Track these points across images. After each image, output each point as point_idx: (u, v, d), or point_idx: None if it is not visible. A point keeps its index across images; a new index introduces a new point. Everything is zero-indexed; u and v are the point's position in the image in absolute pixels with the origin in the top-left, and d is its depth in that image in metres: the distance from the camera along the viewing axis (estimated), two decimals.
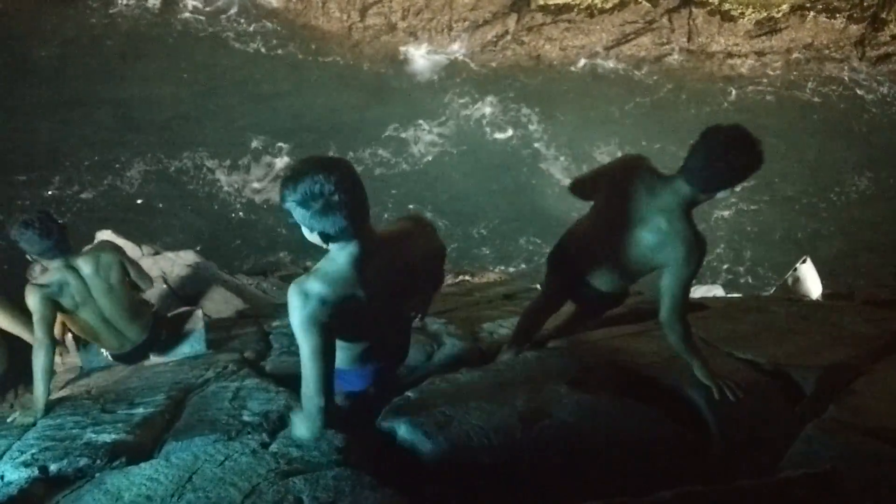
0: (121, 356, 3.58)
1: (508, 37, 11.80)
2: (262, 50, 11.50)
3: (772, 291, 6.77)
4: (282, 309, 5.07)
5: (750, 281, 9.16)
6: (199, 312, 3.93)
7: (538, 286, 5.65)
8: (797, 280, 5.64)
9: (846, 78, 11.53)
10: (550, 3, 11.56)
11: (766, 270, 9.25)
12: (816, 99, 11.38)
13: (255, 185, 9.79)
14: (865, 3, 11.05)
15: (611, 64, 11.74)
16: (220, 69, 11.13)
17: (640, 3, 11.57)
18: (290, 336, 3.66)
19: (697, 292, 6.63)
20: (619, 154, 10.57)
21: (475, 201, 9.97)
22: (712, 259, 9.41)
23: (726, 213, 10.03)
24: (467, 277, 7.65)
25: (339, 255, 1.89)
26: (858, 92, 11.45)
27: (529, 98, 11.32)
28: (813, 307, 4.10)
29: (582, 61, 11.77)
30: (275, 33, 11.69)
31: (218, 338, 4.07)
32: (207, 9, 11.89)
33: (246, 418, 2.45)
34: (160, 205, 9.34)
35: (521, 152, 10.71)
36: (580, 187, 2.77)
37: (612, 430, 2.35)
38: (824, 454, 2.06)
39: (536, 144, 10.81)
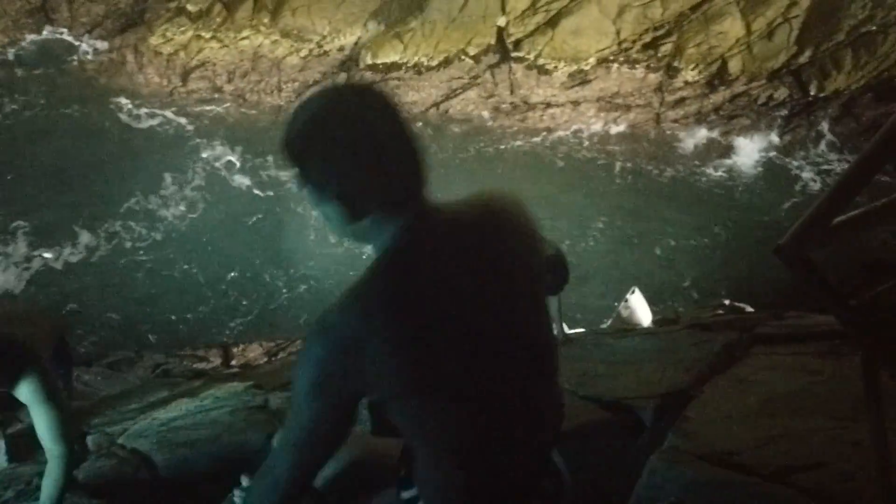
0: None
1: None
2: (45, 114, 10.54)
3: (608, 323, 7.12)
4: (109, 401, 4.54)
5: (602, 312, 9.62)
6: None
7: None
8: (629, 310, 5.96)
9: (650, 121, 12.72)
10: (378, 62, 11.81)
11: (601, 302, 9.77)
12: (626, 144, 12.43)
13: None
14: (660, 54, 12.34)
15: (440, 117, 12.13)
16: None
17: (464, 60, 12.12)
18: (110, 435, 3.25)
19: None
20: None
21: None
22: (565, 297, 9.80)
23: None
24: None
25: (380, 248, 1.15)
26: (661, 133, 12.66)
27: None
28: (644, 336, 4.32)
29: (414, 116, 12.06)
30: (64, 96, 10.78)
31: (25, 447, 3.53)
32: None
33: None
34: None
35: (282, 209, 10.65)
36: None
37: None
38: (669, 485, 2.09)
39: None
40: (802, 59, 12.43)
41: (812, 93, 12.52)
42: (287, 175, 10.77)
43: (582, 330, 7.16)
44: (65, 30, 11.34)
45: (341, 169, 1.09)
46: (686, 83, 12.61)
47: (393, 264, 1.12)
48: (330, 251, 9.85)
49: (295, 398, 1.13)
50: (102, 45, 11.31)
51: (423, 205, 1.14)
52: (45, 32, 11.26)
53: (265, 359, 8.21)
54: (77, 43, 11.30)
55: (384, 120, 1.10)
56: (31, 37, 11.20)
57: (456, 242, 1.16)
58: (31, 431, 3.94)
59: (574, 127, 12.39)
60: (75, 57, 11.16)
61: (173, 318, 8.79)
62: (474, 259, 1.16)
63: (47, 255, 8.88)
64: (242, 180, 10.61)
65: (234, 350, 8.41)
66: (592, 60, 12.23)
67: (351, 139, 1.07)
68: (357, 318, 1.08)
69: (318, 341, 1.10)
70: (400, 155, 1.11)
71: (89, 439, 3.45)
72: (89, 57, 11.21)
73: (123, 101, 10.96)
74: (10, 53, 11.02)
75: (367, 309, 1.08)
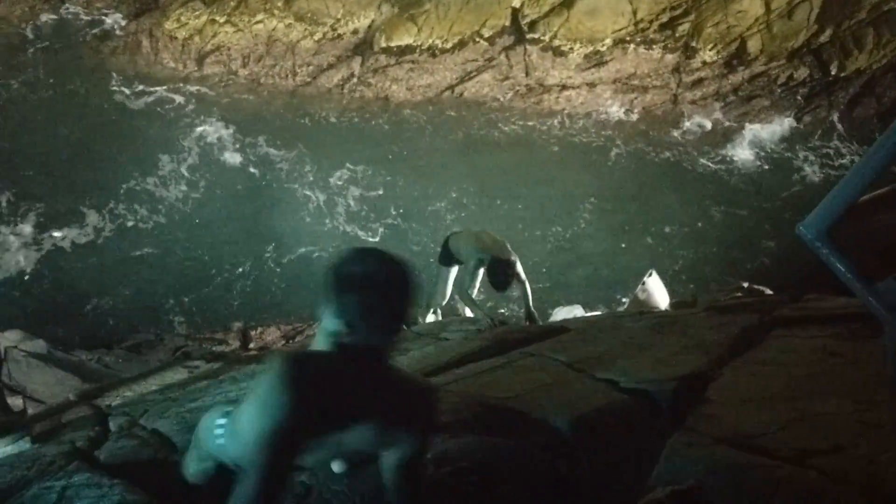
0: None
1: (355, 79, 11.81)
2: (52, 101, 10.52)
3: (625, 306, 7.09)
4: (129, 383, 4.61)
5: (613, 294, 9.60)
6: (20, 401, 3.45)
7: None
8: (646, 293, 5.94)
9: (667, 102, 12.56)
10: (393, 45, 11.73)
11: (619, 284, 9.74)
12: (642, 126, 12.30)
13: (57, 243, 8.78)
14: (677, 34, 12.16)
15: (455, 100, 12.06)
16: None
17: (479, 42, 12.02)
18: (131, 416, 3.30)
19: (559, 314, 6.83)
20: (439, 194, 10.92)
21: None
22: (574, 279, 9.82)
23: (585, 239, 10.53)
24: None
25: (328, 343, 1.62)
26: (679, 114, 12.51)
27: (375, 139, 11.37)
28: (662, 319, 4.29)
29: (428, 99, 12.00)
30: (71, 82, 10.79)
31: (48, 427, 3.59)
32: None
33: None
34: None
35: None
36: None
37: (483, 473, 2.27)
38: (688, 468, 2.08)
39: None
40: (823, 38, 12.20)
41: (833, 72, 12.30)
42: (285, 157, 10.82)
43: (599, 312, 7.15)
44: (80, 10, 11.38)
45: (349, 308, 1.56)
46: (704, 63, 12.43)
47: (333, 361, 1.61)
48: (340, 235, 9.91)
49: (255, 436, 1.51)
50: (117, 29, 11.34)
51: (374, 347, 1.62)
52: (60, 15, 11.31)
53: (283, 341, 8.29)
54: (92, 27, 11.33)
55: (393, 290, 1.58)
56: (46, 19, 11.25)
57: (365, 375, 1.64)
58: (52, 412, 4.01)
59: (590, 109, 12.27)
60: (90, 41, 11.18)
61: (186, 299, 8.86)
62: (369, 390, 1.64)
63: (56, 234, 8.87)
64: (253, 163, 10.65)
65: (253, 333, 8.50)
66: (608, 41, 12.08)
67: (367, 298, 1.55)
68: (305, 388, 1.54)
69: (283, 396, 1.52)
70: (387, 319, 1.60)
71: (111, 420, 3.50)
72: (104, 41, 11.23)
73: (138, 85, 10.99)
74: (26, 34, 11.05)
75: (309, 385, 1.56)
